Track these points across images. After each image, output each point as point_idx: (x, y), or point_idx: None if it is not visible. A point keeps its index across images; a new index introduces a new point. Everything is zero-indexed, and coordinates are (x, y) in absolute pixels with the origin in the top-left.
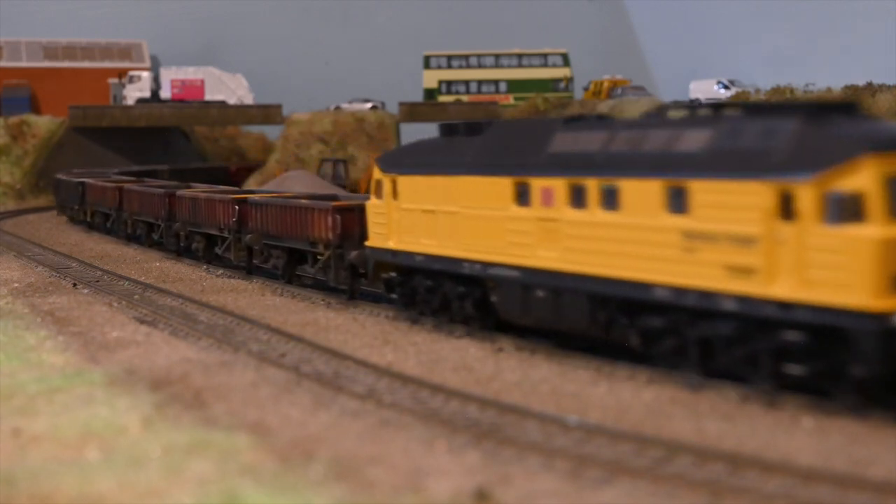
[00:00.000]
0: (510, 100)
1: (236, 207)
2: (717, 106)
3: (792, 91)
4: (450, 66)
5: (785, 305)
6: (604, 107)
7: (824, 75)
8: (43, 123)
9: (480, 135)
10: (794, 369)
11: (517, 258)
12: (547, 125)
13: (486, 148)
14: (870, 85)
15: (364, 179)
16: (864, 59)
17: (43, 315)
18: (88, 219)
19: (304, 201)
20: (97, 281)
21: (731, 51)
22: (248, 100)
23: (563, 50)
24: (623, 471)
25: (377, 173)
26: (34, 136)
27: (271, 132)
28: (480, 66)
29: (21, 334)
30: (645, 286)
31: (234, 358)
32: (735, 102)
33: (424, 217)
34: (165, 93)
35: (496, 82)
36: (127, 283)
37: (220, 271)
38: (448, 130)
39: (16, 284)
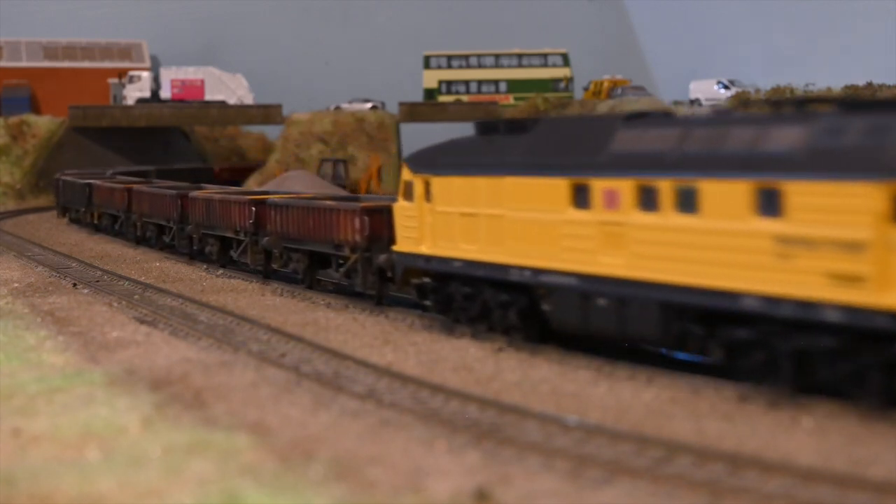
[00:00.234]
0: (510, 100)
1: (253, 209)
2: (801, 102)
3: (792, 91)
4: (450, 66)
5: None
6: (604, 107)
7: (824, 75)
8: (43, 123)
9: (527, 133)
10: None
11: (574, 264)
12: (605, 123)
13: (535, 147)
14: (870, 85)
15: (364, 179)
16: (864, 59)
17: (43, 315)
18: (95, 221)
19: (329, 202)
20: (97, 281)
21: (731, 51)
22: (248, 100)
23: (563, 50)
24: (623, 471)
25: (406, 174)
26: (34, 136)
27: (271, 132)
28: (480, 66)
29: (21, 334)
30: (730, 295)
31: (234, 358)
32: (825, 97)
33: (463, 220)
34: (165, 93)
35: (496, 82)
36: (127, 283)
37: (220, 271)
38: (486, 129)
39: (16, 284)
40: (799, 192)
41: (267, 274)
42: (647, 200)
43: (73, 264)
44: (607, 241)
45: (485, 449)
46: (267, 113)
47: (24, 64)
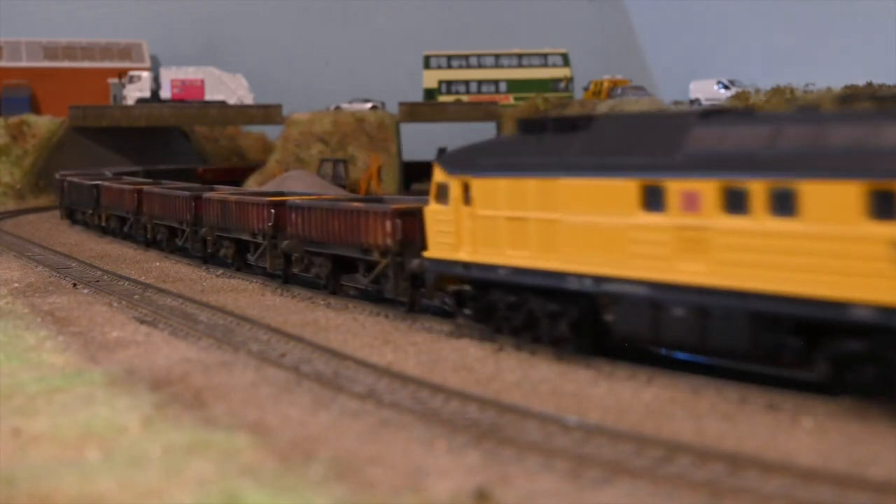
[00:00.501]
0: (510, 100)
1: (272, 211)
2: None
3: (792, 91)
4: (450, 66)
5: None
6: (604, 107)
7: (824, 75)
8: (43, 123)
9: (583, 131)
10: None
11: (645, 271)
12: (675, 120)
13: (594, 146)
14: (870, 85)
15: (364, 179)
16: (864, 59)
17: (43, 315)
18: (103, 223)
19: (356, 204)
20: (97, 281)
21: (731, 51)
22: (248, 100)
23: (563, 50)
24: (623, 471)
25: (440, 176)
26: (34, 136)
27: (271, 132)
28: (480, 66)
29: (21, 334)
30: (837, 305)
31: (234, 358)
32: None
33: (510, 225)
34: (165, 93)
35: (496, 82)
36: (127, 283)
37: (221, 271)
38: (531, 127)
39: (16, 284)
40: None
41: (286, 278)
42: (735, 203)
43: (73, 264)
44: (685, 246)
45: (485, 449)
46: (267, 113)
47: (24, 64)
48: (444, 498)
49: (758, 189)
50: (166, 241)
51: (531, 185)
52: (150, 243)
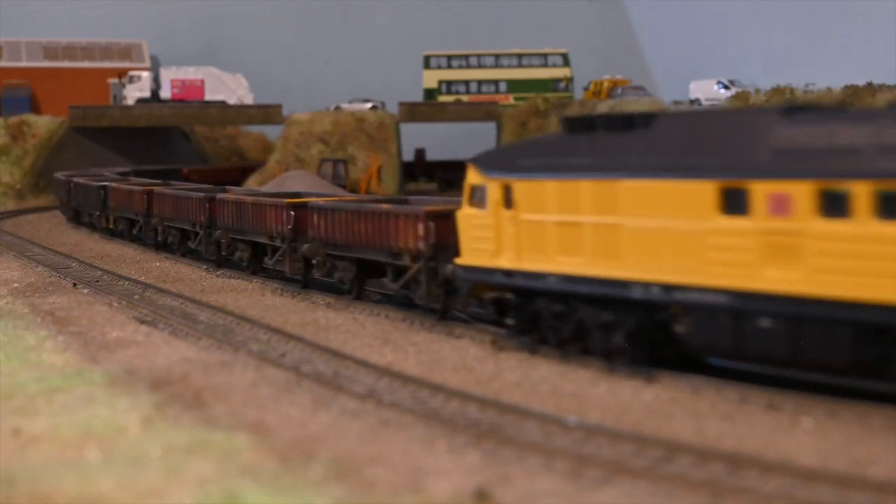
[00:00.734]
0: (510, 100)
1: (292, 213)
2: None
3: (792, 91)
4: (450, 66)
5: None
6: (604, 106)
7: (824, 75)
8: (43, 123)
9: (645, 130)
10: None
11: (726, 279)
12: (755, 117)
13: (660, 146)
14: (870, 85)
15: (364, 179)
16: (864, 59)
17: (43, 315)
18: (111, 226)
19: (385, 206)
20: (97, 281)
21: (731, 51)
22: (248, 100)
23: (563, 50)
24: (623, 471)
25: (475, 177)
26: (34, 136)
27: (271, 132)
28: (480, 66)
29: (21, 334)
30: None
31: (234, 358)
32: None
33: (560, 230)
34: (165, 93)
35: (496, 82)
36: (127, 282)
37: (221, 271)
38: (579, 126)
39: (16, 284)
40: None
41: (306, 283)
42: (834, 206)
43: (73, 264)
44: (773, 252)
45: (485, 449)
46: (267, 113)
47: (24, 64)
48: (444, 498)
49: (861, 191)
50: (178, 243)
51: (585, 188)
52: (161, 246)
